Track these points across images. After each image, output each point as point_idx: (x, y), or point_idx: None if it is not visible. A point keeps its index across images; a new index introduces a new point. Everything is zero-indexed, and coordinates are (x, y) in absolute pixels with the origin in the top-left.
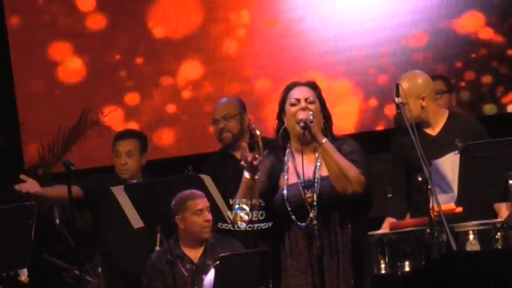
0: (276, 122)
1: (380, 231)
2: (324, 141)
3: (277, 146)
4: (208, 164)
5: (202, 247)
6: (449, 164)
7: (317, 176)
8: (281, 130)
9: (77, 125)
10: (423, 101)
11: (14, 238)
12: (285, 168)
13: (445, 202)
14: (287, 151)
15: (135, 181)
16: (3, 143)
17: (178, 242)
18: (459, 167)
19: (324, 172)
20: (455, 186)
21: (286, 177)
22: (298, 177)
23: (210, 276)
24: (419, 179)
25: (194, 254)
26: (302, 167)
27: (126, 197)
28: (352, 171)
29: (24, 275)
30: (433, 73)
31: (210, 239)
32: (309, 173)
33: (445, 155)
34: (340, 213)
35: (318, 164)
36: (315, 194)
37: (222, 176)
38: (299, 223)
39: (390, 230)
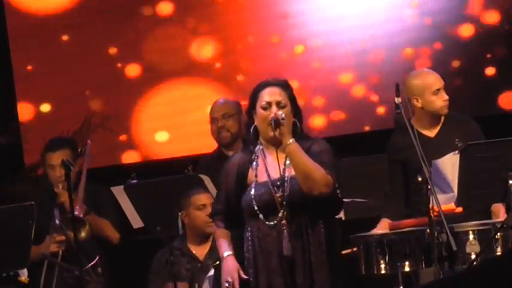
0: (246, 118)
1: (380, 232)
2: (290, 141)
3: (249, 141)
4: (203, 164)
5: (209, 245)
6: (449, 164)
7: (287, 175)
8: (252, 128)
9: (80, 128)
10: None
11: (13, 238)
12: (254, 164)
13: (445, 202)
14: (257, 148)
15: (135, 181)
16: (3, 142)
17: (185, 239)
18: (459, 167)
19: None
20: (455, 186)
21: (255, 173)
22: (268, 175)
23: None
24: (419, 179)
25: (200, 252)
26: (278, 165)
27: (126, 197)
28: (318, 172)
29: (24, 275)
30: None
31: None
32: (279, 172)
33: (443, 156)
34: (311, 213)
35: (288, 162)
36: (284, 194)
37: (216, 177)
38: (267, 222)
39: (390, 230)
